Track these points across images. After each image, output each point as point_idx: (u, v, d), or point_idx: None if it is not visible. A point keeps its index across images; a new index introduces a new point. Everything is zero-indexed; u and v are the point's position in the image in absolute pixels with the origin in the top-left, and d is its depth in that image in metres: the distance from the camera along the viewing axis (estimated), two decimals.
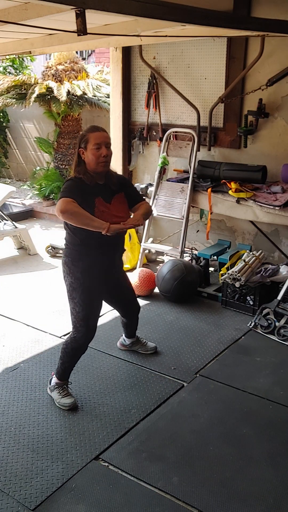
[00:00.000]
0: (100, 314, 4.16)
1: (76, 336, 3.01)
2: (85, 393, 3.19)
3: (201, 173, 4.79)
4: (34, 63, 9.07)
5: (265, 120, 4.64)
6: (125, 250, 3.18)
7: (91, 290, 2.95)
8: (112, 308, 4.22)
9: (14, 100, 7.03)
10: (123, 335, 3.66)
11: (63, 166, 7.49)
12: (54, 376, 3.15)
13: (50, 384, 3.16)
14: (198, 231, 5.35)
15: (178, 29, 3.61)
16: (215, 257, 4.81)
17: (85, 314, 2.96)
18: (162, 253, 5.45)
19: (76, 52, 7.52)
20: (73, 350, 3.03)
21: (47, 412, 3.01)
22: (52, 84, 6.76)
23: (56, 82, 6.91)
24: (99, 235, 2.78)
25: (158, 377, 3.37)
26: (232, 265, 4.46)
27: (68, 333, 3.87)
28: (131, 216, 2.99)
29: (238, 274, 4.12)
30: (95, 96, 7.12)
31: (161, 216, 5.04)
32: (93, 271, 2.94)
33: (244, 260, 4.33)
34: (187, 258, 4.98)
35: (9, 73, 8.61)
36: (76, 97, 6.92)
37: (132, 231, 5.26)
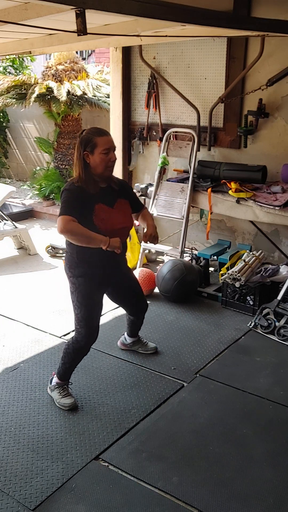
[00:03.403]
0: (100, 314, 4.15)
1: (77, 337, 3.01)
2: (85, 393, 3.19)
3: (201, 173, 4.79)
4: (34, 63, 9.07)
5: (265, 120, 4.65)
6: (126, 250, 3.17)
7: (87, 293, 2.93)
8: (112, 308, 4.24)
9: (14, 100, 7.03)
10: (125, 333, 3.65)
11: (63, 166, 7.49)
12: (55, 376, 3.15)
13: (50, 384, 3.16)
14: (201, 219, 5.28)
15: (178, 29, 3.60)
16: (215, 257, 4.81)
17: (84, 315, 2.95)
18: (162, 253, 5.45)
19: (76, 52, 7.52)
20: (74, 351, 3.03)
21: (47, 412, 3.01)
22: (52, 84, 6.76)
23: (56, 82, 6.91)
24: (98, 252, 2.79)
25: (158, 377, 3.37)
26: (232, 265, 4.46)
27: (68, 333, 3.89)
28: (142, 226, 3.10)
29: (238, 274, 4.12)
30: (95, 96, 7.12)
31: (161, 216, 5.04)
32: (89, 278, 2.92)
33: (244, 260, 4.33)
34: (187, 258, 4.98)
35: (9, 73, 8.61)
36: (76, 97, 6.92)
37: (132, 232, 5.26)
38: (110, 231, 2.82)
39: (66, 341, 3.12)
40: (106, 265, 2.95)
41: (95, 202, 2.81)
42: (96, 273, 2.94)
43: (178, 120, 5.24)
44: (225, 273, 4.25)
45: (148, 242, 3.11)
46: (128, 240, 5.11)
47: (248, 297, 4.22)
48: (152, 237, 3.11)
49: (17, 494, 2.43)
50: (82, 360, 3.08)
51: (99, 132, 2.81)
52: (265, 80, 4.51)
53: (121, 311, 4.26)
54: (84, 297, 2.93)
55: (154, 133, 5.38)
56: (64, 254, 3.03)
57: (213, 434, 2.84)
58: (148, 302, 4.41)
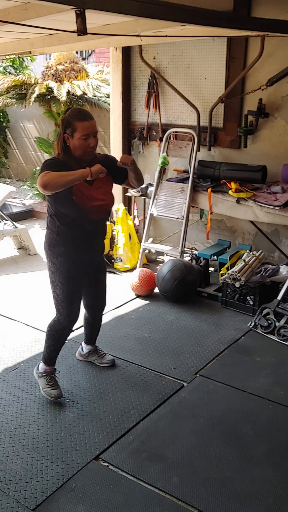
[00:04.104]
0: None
1: (59, 318, 3.01)
2: (85, 393, 3.19)
3: (201, 173, 4.79)
4: (34, 63, 9.07)
5: (265, 120, 4.64)
6: (105, 234, 3.15)
7: (68, 273, 2.92)
8: (112, 308, 4.25)
9: (14, 100, 7.02)
10: (82, 342, 3.53)
11: None
12: (41, 361, 3.16)
13: (38, 369, 3.17)
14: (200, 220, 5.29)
15: (178, 29, 3.61)
16: (215, 257, 4.81)
17: (65, 296, 2.94)
18: (162, 253, 5.45)
19: (76, 52, 7.52)
20: (57, 332, 3.04)
21: (47, 412, 3.01)
22: (52, 84, 6.76)
23: (56, 82, 6.91)
24: (78, 229, 2.80)
25: (158, 377, 3.37)
26: (232, 265, 4.46)
27: None
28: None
29: (238, 274, 4.12)
30: (95, 96, 7.12)
31: (161, 216, 5.04)
32: (69, 257, 2.91)
33: (244, 260, 4.33)
34: (187, 258, 4.98)
35: (9, 73, 8.60)
36: (76, 97, 6.92)
37: (132, 231, 5.26)
38: (89, 207, 2.80)
39: (48, 323, 3.11)
40: (85, 245, 2.93)
41: None
42: (75, 253, 2.92)
43: (178, 120, 5.23)
44: (225, 273, 4.25)
45: (122, 162, 2.90)
46: (128, 240, 5.14)
47: (248, 297, 4.22)
48: (125, 158, 2.91)
49: (17, 494, 2.43)
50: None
51: (80, 116, 2.72)
52: (265, 80, 4.50)
53: (121, 311, 4.27)
54: (65, 278, 2.91)
55: (154, 133, 5.38)
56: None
57: (213, 434, 2.84)
58: (148, 302, 4.46)
